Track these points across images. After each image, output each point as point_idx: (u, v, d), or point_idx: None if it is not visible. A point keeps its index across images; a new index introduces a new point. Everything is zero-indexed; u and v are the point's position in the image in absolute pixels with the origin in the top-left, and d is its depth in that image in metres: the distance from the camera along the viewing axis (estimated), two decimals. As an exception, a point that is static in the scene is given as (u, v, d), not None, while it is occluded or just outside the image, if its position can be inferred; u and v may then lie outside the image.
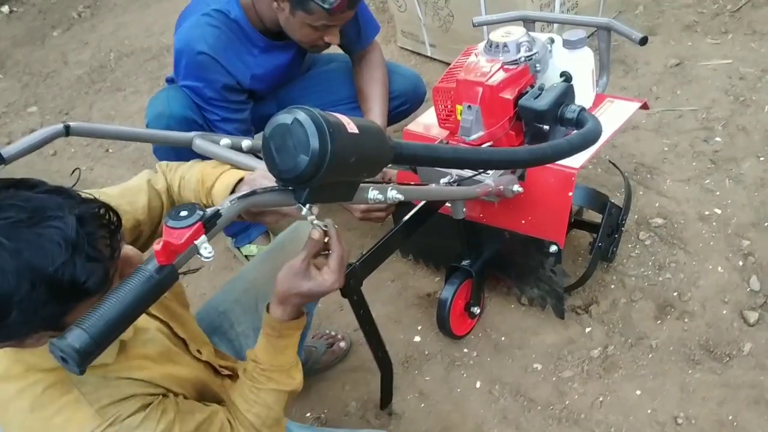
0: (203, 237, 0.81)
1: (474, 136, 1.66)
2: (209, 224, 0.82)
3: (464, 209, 1.70)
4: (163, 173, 1.30)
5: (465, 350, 1.92)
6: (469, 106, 1.66)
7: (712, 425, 1.62)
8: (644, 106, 1.80)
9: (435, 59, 3.14)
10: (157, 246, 0.77)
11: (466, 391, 1.83)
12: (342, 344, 1.98)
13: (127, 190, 1.22)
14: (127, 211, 1.19)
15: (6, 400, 0.95)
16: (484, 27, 2.29)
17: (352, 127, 0.89)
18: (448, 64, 1.81)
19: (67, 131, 1.28)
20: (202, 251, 0.80)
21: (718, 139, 2.34)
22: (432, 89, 1.80)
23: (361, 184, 1.07)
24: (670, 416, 1.65)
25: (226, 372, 1.32)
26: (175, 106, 1.93)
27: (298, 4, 1.71)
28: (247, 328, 1.50)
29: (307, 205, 0.97)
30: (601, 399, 1.72)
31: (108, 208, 0.91)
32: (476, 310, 1.92)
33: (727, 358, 1.73)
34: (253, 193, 0.92)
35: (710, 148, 2.31)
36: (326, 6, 1.69)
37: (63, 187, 0.90)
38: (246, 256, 2.34)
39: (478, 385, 1.83)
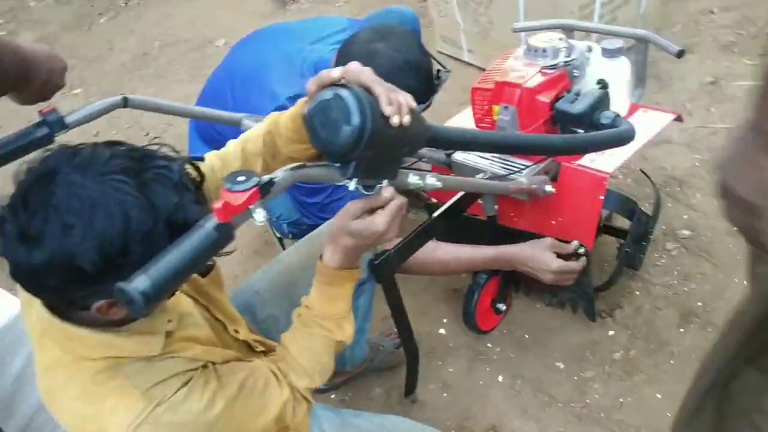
0: (258, 201, 0.86)
1: (510, 136, 1.71)
2: (264, 190, 0.87)
3: (495, 206, 1.75)
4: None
5: (489, 345, 1.97)
6: (506, 107, 1.71)
7: None
8: (678, 119, 1.83)
9: (472, 64, 3.20)
10: (217, 204, 0.82)
11: (488, 385, 1.87)
12: None
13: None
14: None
15: (56, 388, 0.99)
16: (521, 35, 2.33)
17: None
18: (484, 69, 1.86)
19: (125, 103, 1.36)
20: (255, 215, 0.86)
21: (750, 156, 2.36)
22: (470, 89, 1.85)
23: (402, 170, 1.13)
24: (687, 421, 1.68)
25: (261, 348, 1.34)
26: None
27: None
28: (277, 311, 1.50)
29: (354, 180, 1.00)
30: (621, 400, 1.76)
31: (191, 163, 0.96)
32: (502, 306, 1.97)
33: (748, 369, 1.75)
34: (303, 165, 0.99)
35: (741, 165, 2.33)
36: None
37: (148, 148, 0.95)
38: None
39: (500, 379, 1.88)
